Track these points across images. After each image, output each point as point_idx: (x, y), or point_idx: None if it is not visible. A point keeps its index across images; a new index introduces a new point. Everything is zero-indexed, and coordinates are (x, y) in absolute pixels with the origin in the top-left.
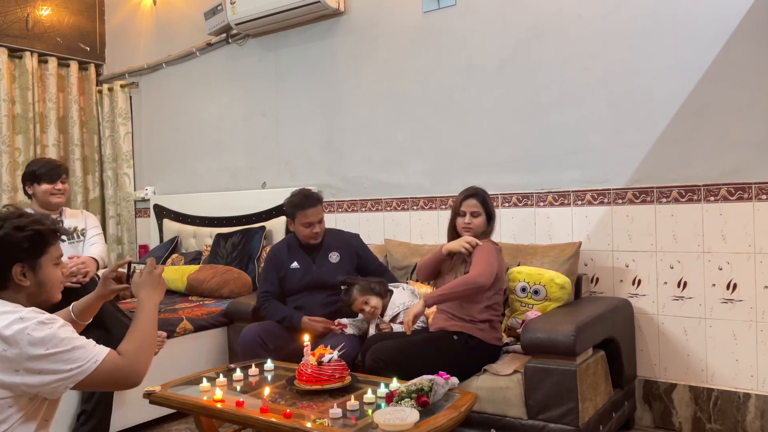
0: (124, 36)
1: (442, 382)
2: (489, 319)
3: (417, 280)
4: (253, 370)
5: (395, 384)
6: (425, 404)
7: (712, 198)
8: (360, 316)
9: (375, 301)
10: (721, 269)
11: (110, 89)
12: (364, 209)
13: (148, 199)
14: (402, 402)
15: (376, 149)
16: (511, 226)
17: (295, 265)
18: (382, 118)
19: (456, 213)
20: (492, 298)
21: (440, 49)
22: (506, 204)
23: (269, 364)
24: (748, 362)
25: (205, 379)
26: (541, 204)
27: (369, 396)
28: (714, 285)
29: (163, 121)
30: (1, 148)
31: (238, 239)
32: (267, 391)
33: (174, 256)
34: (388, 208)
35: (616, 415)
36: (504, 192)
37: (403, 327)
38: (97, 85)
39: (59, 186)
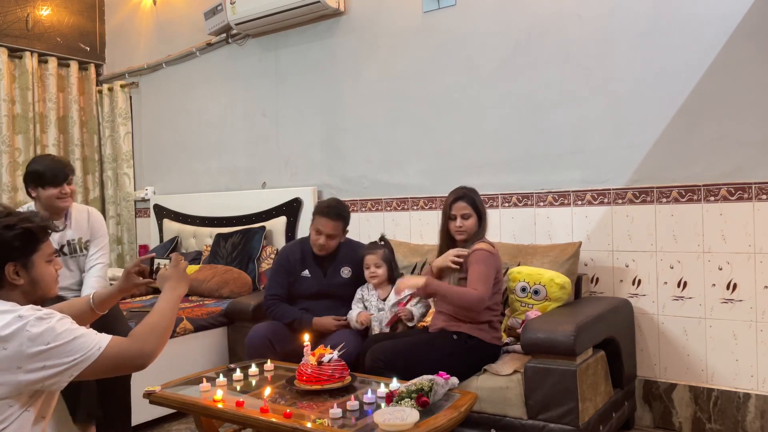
0: (124, 36)
1: (442, 382)
2: (489, 320)
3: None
4: (253, 370)
5: (395, 384)
6: (425, 404)
7: (712, 198)
8: (361, 306)
9: (381, 271)
10: (721, 269)
11: (110, 89)
12: (364, 209)
13: (148, 199)
14: (402, 402)
15: (376, 149)
16: (511, 226)
17: (306, 273)
18: (382, 118)
19: (447, 217)
20: (491, 298)
21: (440, 49)
22: (506, 204)
23: (269, 364)
24: (748, 362)
25: (205, 379)
26: (541, 204)
27: (369, 396)
28: (714, 285)
29: (163, 121)
30: (1, 148)
31: (238, 239)
32: (267, 391)
33: None
34: (388, 208)
35: (616, 415)
36: (504, 192)
37: (395, 295)
38: (97, 85)
39: (65, 189)
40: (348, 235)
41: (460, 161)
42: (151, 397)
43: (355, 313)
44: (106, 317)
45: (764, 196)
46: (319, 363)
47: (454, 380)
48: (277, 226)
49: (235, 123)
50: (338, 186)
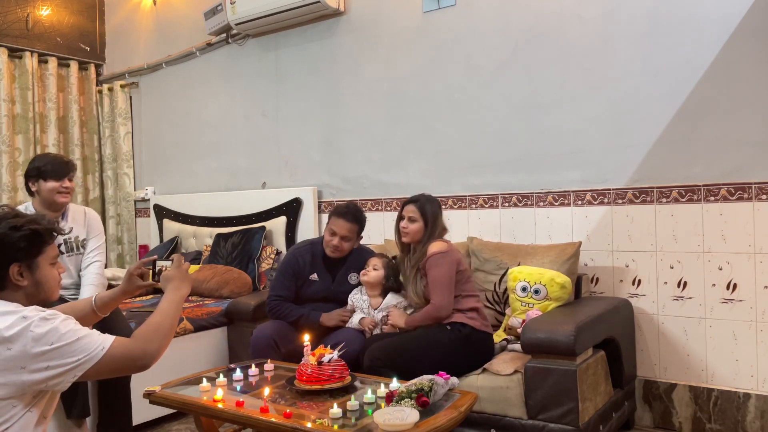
0: (124, 36)
1: (442, 382)
2: (474, 307)
3: None
4: (253, 370)
5: (395, 384)
6: (425, 404)
7: (712, 198)
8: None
9: (376, 274)
10: (721, 269)
11: (110, 89)
12: (364, 209)
13: (148, 199)
14: (402, 402)
15: (376, 149)
16: (511, 226)
17: (314, 277)
18: (382, 118)
19: (399, 216)
20: (464, 288)
21: (440, 49)
22: (506, 204)
23: (269, 364)
24: (748, 362)
25: (205, 379)
26: (541, 204)
27: (369, 396)
28: (714, 285)
29: (163, 121)
30: (1, 148)
31: (238, 239)
32: (267, 391)
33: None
34: (388, 208)
35: (616, 415)
36: (504, 192)
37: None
38: (97, 85)
39: (66, 184)
40: None
41: (460, 161)
42: (151, 397)
43: (357, 318)
44: (105, 317)
45: (764, 196)
46: (319, 363)
47: (454, 380)
48: (277, 226)
49: (235, 123)
50: (338, 186)
